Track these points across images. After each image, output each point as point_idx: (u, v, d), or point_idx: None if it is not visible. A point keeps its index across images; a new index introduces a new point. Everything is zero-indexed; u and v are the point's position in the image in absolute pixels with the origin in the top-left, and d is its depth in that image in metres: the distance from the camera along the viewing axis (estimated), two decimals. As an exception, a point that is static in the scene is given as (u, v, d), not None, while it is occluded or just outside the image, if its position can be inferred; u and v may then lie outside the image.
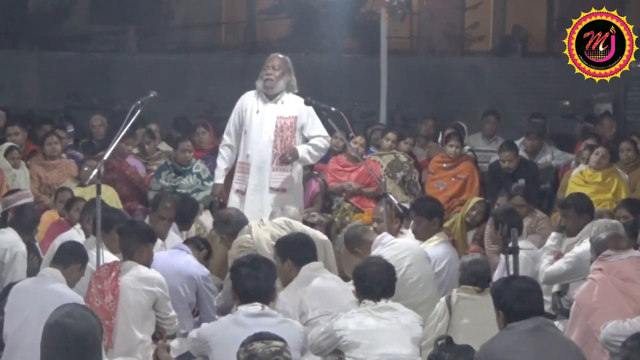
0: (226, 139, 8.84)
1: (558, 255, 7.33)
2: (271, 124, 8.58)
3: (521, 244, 7.18)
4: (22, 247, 7.69)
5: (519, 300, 5.02)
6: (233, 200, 8.69)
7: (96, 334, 4.09)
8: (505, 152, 10.44)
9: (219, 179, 8.84)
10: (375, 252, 6.94)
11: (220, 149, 8.90)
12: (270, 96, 8.62)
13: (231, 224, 7.63)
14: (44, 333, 4.12)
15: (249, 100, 8.71)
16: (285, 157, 8.52)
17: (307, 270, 6.51)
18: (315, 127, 8.64)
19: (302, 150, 8.59)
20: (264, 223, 7.64)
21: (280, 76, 8.58)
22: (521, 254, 6.95)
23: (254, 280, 5.55)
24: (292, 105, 8.62)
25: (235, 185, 8.73)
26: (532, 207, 9.23)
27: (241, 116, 8.71)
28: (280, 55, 8.75)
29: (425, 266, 7.16)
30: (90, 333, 4.06)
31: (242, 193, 8.64)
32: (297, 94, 8.67)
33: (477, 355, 5.09)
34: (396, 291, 6.14)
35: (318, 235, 7.76)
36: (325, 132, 8.70)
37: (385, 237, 7.26)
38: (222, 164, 8.83)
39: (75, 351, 4.01)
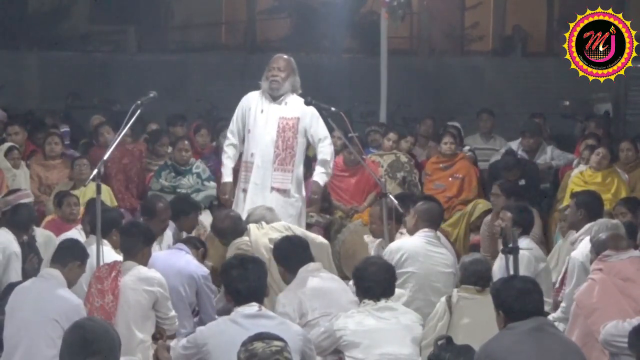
0: (230, 137, 8.84)
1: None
2: (274, 124, 8.59)
3: (524, 243, 7.22)
4: (15, 247, 7.62)
5: (518, 300, 5.01)
6: (239, 198, 8.72)
7: (114, 342, 4.28)
8: (511, 172, 10.33)
9: (228, 177, 8.80)
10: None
11: (225, 148, 8.88)
12: (274, 97, 8.64)
13: (227, 235, 7.64)
14: (65, 332, 4.36)
15: (253, 100, 8.72)
16: (314, 199, 8.81)
17: (305, 272, 6.51)
18: (320, 130, 8.67)
19: (321, 179, 8.72)
20: (263, 226, 7.65)
21: (286, 77, 8.59)
22: (525, 253, 7.01)
23: (245, 281, 5.50)
24: (295, 107, 8.62)
25: (240, 184, 8.75)
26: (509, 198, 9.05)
27: (245, 115, 8.71)
28: (285, 56, 8.74)
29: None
30: (108, 338, 4.26)
31: (245, 192, 8.66)
32: (300, 94, 8.70)
33: (477, 356, 5.09)
34: None
35: (317, 239, 7.75)
36: (327, 134, 8.74)
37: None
38: (229, 162, 8.81)
39: (90, 349, 4.19)
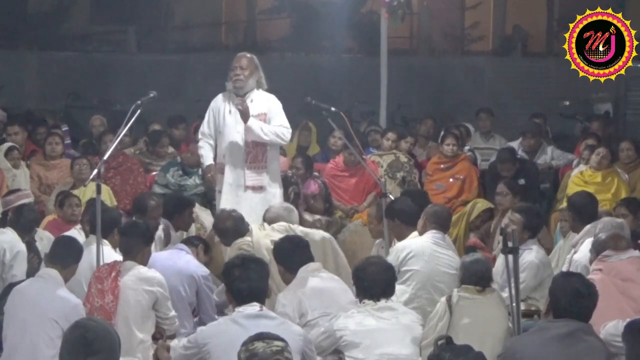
0: (202, 139, 8.86)
1: None
2: (242, 123, 8.59)
3: (534, 248, 7.24)
4: (22, 247, 7.71)
5: (568, 299, 5.07)
6: (216, 200, 8.78)
7: (114, 342, 4.31)
8: (505, 164, 10.34)
9: (208, 160, 8.82)
10: None
11: (200, 144, 8.89)
12: (240, 96, 8.66)
13: (228, 235, 7.66)
14: (66, 332, 4.40)
15: (220, 103, 8.79)
16: (239, 107, 8.49)
17: (305, 272, 6.51)
18: (277, 119, 8.65)
19: (256, 122, 8.52)
20: (265, 227, 7.66)
21: (249, 75, 8.65)
22: (534, 261, 7.06)
23: (246, 281, 5.48)
24: (262, 103, 8.68)
25: (217, 186, 8.80)
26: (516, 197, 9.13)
27: (216, 118, 8.77)
28: (248, 55, 8.80)
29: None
30: (108, 338, 4.28)
31: (220, 193, 8.70)
32: (267, 90, 8.73)
33: (503, 349, 5.18)
34: None
35: (316, 234, 7.76)
36: (287, 124, 8.69)
37: None
38: (206, 152, 8.81)
39: (90, 349, 4.22)
